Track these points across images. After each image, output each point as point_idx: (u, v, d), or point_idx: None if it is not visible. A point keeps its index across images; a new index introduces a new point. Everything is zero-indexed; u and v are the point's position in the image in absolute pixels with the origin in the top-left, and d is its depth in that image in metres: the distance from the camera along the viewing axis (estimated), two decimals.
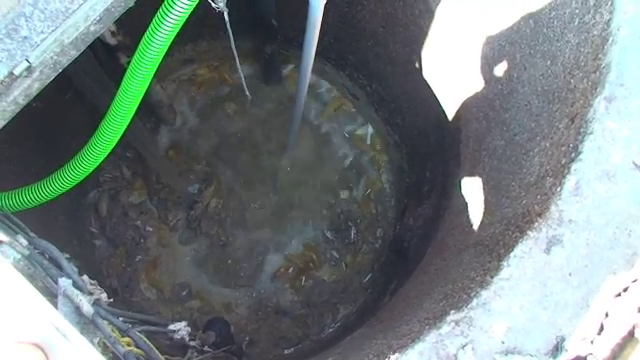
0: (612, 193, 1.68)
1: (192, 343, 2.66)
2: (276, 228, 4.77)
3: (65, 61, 1.62)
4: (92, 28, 1.61)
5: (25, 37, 1.52)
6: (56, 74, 1.64)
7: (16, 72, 1.51)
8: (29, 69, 1.54)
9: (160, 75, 4.51)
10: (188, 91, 4.94)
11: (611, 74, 1.73)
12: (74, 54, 1.63)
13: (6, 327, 1.34)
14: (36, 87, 1.60)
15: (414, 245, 4.06)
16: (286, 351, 4.51)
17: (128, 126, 2.10)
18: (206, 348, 2.97)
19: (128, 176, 4.73)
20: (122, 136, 2.15)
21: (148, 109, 4.43)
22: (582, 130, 1.74)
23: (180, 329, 2.38)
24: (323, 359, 2.80)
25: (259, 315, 4.58)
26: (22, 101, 1.59)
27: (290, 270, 4.69)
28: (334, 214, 4.82)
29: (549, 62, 2.12)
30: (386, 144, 4.91)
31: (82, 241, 4.43)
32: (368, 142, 4.97)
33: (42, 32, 1.52)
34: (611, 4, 1.79)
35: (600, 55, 1.79)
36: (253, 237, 4.73)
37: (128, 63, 1.90)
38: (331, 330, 4.60)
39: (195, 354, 2.68)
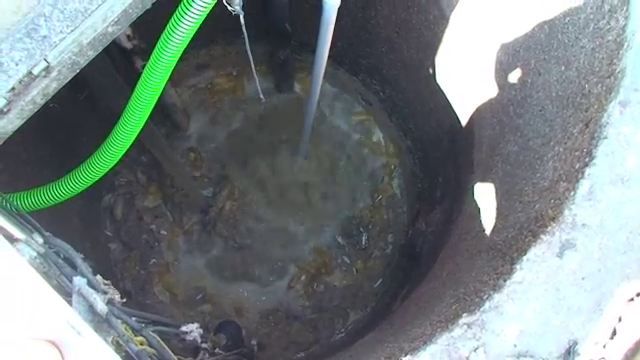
0: (626, 198, 1.67)
1: (204, 345, 2.66)
2: (288, 233, 4.78)
3: (83, 62, 1.63)
4: (110, 29, 1.62)
5: (44, 37, 1.53)
6: (74, 74, 1.66)
7: (35, 72, 1.53)
8: (47, 69, 1.56)
9: (174, 80, 4.54)
10: (202, 96, 4.96)
11: (626, 79, 1.72)
12: (91, 55, 1.65)
13: (21, 324, 1.35)
14: (54, 87, 1.62)
15: (426, 250, 4.05)
16: (297, 355, 4.51)
17: (143, 129, 2.12)
18: (217, 350, 2.98)
19: (143, 180, 4.76)
20: (137, 140, 2.17)
21: (163, 113, 4.46)
22: (596, 135, 1.74)
23: (192, 330, 2.39)
24: None
25: (270, 319, 4.59)
26: (40, 101, 1.61)
27: (302, 276, 4.69)
28: (346, 220, 4.82)
29: (563, 67, 2.12)
30: (399, 149, 4.90)
31: (96, 244, 4.46)
32: (381, 148, 4.97)
33: (61, 32, 1.54)
34: (626, 9, 1.78)
35: (615, 60, 1.78)
36: (266, 242, 4.74)
37: (143, 67, 1.92)
38: (341, 335, 4.60)
39: (207, 356, 2.69)
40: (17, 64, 1.53)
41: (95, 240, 4.47)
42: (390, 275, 4.74)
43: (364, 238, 4.82)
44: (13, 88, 1.53)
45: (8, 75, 1.51)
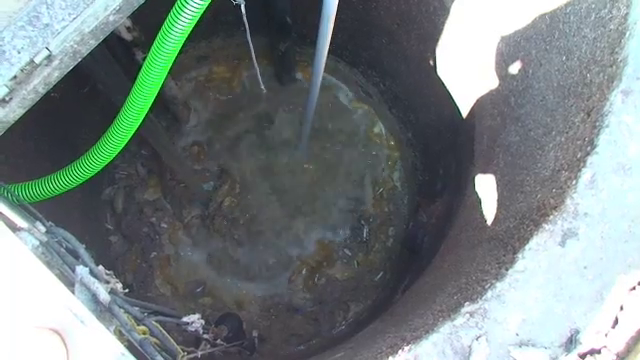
0: (628, 186, 1.67)
1: (205, 336, 2.67)
2: (288, 226, 4.78)
3: (84, 50, 1.63)
4: (111, 18, 1.62)
5: (46, 25, 1.53)
6: (75, 63, 1.65)
7: (37, 60, 1.53)
8: (49, 57, 1.55)
9: (175, 72, 4.53)
10: (203, 89, 4.96)
11: (628, 67, 1.72)
12: (93, 44, 1.64)
13: (25, 312, 1.35)
14: (55, 76, 1.61)
15: (427, 242, 4.06)
16: (297, 347, 4.52)
17: (144, 122, 2.12)
18: (219, 342, 2.99)
19: (143, 173, 4.76)
20: (137, 133, 2.16)
21: (163, 106, 4.46)
22: (598, 124, 1.73)
23: (194, 321, 2.39)
24: (335, 354, 2.80)
25: (271, 312, 4.60)
26: (42, 90, 1.61)
27: (303, 269, 4.70)
28: (347, 213, 4.82)
29: (565, 57, 2.11)
30: (399, 142, 4.90)
31: (96, 237, 4.46)
32: (382, 140, 4.96)
33: (63, 20, 1.54)
34: None
35: (617, 49, 1.78)
36: (266, 236, 4.74)
37: (144, 59, 1.92)
38: (342, 327, 4.60)
39: (208, 347, 2.69)
40: (19, 52, 1.52)
41: (95, 233, 4.47)
42: (391, 268, 4.74)
43: (365, 231, 4.83)
44: (15, 76, 1.53)
45: (10, 63, 1.51)
